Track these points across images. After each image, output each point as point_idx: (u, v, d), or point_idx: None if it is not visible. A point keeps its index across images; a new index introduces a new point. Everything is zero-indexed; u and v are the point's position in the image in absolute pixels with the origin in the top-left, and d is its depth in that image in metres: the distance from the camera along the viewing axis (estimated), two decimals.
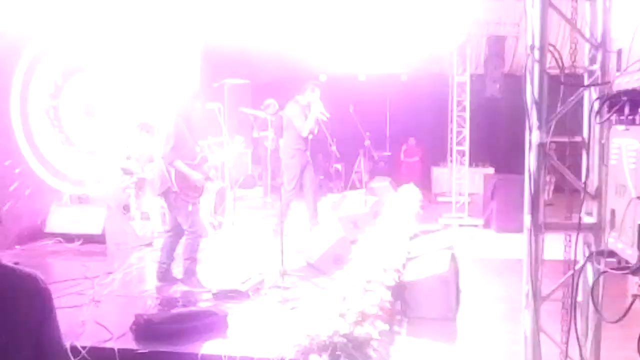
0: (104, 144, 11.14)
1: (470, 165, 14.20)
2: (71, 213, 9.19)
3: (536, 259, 3.70)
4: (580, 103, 3.76)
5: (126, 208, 10.26)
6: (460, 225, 12.42)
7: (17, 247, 8.64)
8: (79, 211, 9.28)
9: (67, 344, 4.48)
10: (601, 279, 3.52)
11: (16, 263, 2.74)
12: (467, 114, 13.68)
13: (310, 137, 9.30)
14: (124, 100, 11.78)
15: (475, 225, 12.45)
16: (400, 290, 6.24)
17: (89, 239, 8.87)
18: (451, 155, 15.03)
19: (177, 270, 6.89)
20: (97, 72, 11.00)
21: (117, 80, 11.54)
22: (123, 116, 11.64)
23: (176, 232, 6.91)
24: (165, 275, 6.90)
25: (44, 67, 9.73)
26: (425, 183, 16.64)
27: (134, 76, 12.04)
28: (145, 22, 12.49)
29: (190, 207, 6.70)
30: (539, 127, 3.64)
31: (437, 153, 17.57)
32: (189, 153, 6.74)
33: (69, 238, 8.94)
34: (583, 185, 3.66)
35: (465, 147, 13.81)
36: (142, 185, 9.71)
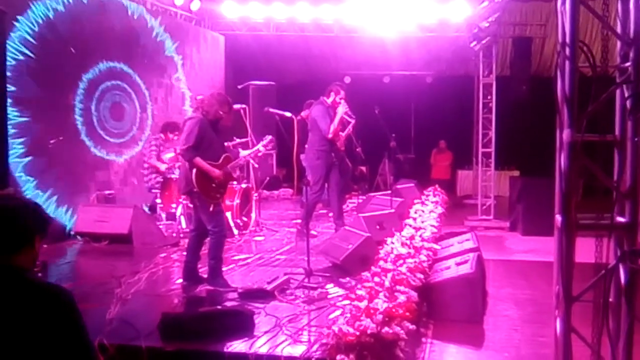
0: (130, 145, 11.24)
1: (496, 167, 14.10)
2: (98, 213, 9.26)
3: (567, 259, 3.66)
4: (611, 101, 3.71)
5: (152, 208, 10.33)
6: (486, 228, 12.34)
7: (44, 246, 8.72)
8: (106, 211, 9.35)
9: (95, 342, 4.51)
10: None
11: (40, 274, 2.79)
12: (493, 116, 13.60)
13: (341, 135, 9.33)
14: (150, 102, 11.90)
15: (501, 228, 12.37)
16: (426, 292, 6.21)
17: (115, 239, 8.93)
18: (477, 158, 14.95)
19: (204, 270, 6.91)
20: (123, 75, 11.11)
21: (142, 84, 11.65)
22: (150, 117, 11.76)
23: (200, 232, 6.93)
24: (191, 275, 6.92)
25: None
26: (450, 185, 16.58)
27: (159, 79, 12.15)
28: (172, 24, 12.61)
29: (211, 208, 6.72)
30: (570, 126, 3.59)
31: (462, 155, 17.49)
32: (212, 154, 6.76)
33: (95, 238, 9.01)
34: (615, 185, 3.61)
35: (492, 149, 13.72)
36: (168, 186, 9.76)
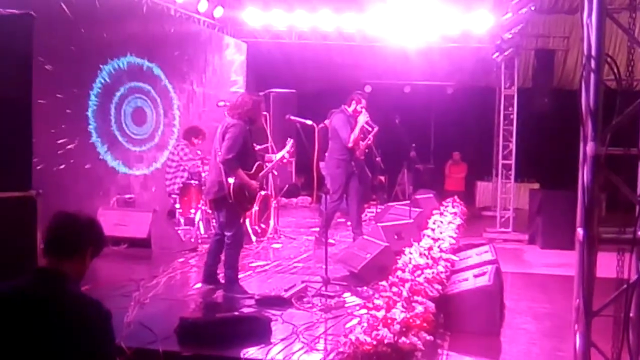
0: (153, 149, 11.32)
1: (516, 179, 14.03)
2: (118, 217, 9.31)
3: (589, 273, 3.63)
4: (636, 115, 3.68)
5: (171, 213, 10.37)
6: (505, 240, 12.27)
7: None
8: (126, 215, 9.40)
9: None
10: None
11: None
12: (514, 128, 13.53)
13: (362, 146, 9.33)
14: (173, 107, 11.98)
15: (520, 241, 12.29)
16: (443, 303, 6.17)
17: (134, 243, 8.97)
18: (497, 169, 14.88)
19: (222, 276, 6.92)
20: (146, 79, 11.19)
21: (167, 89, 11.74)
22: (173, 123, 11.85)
23: (224, 235, 6.91)
24: (211, 278, 6.94)
25: None
26: (469, 197, 16.50)
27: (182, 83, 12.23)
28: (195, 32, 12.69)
29: (240, 218, 6.75)
30: (594, 139, 3.57)
31: (482, 167, 17.40)
32: (248, 162, 6.75)
33: (115, 241, 9.05)
34: (638, 199, 3.58)
35: (512, 161, 13.64)
36: (187, 191, 9.80)
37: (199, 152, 10.09)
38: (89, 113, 9.77)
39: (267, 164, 7.64)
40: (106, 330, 2.64)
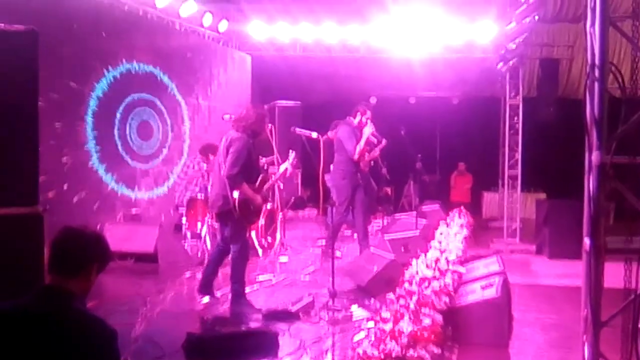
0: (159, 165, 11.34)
1: (522, 190, 13.97)
2: (124, 231, 9.31)
3: (596, 284, 3.60)
4: None
5: (178, 227, 10.37)
6: (512, 251, 12.21)
7: None
8: (132, 230, 9.40)
9: None
10: None
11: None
12: (519, 138, 13.50)
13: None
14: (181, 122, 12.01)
15: (527, 251, 12.23)
16: (451, 315, 6.14)
17: (141, 258, 8.96)
18: (503, 180, 14.84)
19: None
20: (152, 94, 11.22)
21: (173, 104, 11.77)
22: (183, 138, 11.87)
23: (227, 247, 6.91)
24: (205, 288, 6.92)
25: None
26: (475, 207, 16.45)
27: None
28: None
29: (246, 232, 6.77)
30: (599, 147, 3.56)
31: (488, 177, 17.36)
32: (252, 175, 6.75)
33: (121, 256, 9.05)
34: None
35: (518, 171, 13.60)
36: (194, 205, 9.80)
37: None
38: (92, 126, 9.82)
39: (271, 176, 7.63)
40: (111, 350, 2.61)
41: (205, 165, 10.10)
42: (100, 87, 9.81)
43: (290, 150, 8.00)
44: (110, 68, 10.02)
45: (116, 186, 10.16)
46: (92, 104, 9.59)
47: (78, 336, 2.54)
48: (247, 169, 6.60)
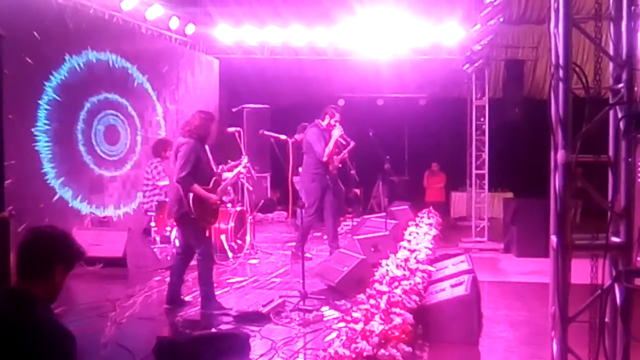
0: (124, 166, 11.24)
1: (490, 189, 14.11)
2: (92, 236, 9.21)
3: (563, 280, 3.66)
4: (605, 122, 3.74)
5: (146, 231, 10.30)
6: (481, 250, 12.33)
7: None
8: (100, 234, 9.32)
9: None
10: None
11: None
12: (486, 138, 13.64)
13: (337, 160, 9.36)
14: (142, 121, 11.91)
15: (496, 250, 12.36)
16: (421, 314, 6.18)
17: (110, 262, 8.87)
18: (470, 180, 14.97)
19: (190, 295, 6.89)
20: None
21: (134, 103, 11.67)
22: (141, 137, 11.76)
23: (187, 254, 6.95)
24: (174, 298, 6.90)
25: None
26: (445, 208, 16.57)
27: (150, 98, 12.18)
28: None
29: (207, 233, 6.76)
30: (565, 146, 3.62)
31: (456, 177, 17.49)
32: (204, 177, 6.77)
33: (90, 261, 8.95)
34: (610, 205, 3.63)
35: (485, 171, 13.74)
36: (162, 209, 9.74)
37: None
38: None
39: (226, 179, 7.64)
40: (66, 355, 2.55)
41: (161, 167, 10.07)
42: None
43: (243, 155, 8.05)
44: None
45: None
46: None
47: (33, 342, 2.48)
48: (197, 171, 6.65)
